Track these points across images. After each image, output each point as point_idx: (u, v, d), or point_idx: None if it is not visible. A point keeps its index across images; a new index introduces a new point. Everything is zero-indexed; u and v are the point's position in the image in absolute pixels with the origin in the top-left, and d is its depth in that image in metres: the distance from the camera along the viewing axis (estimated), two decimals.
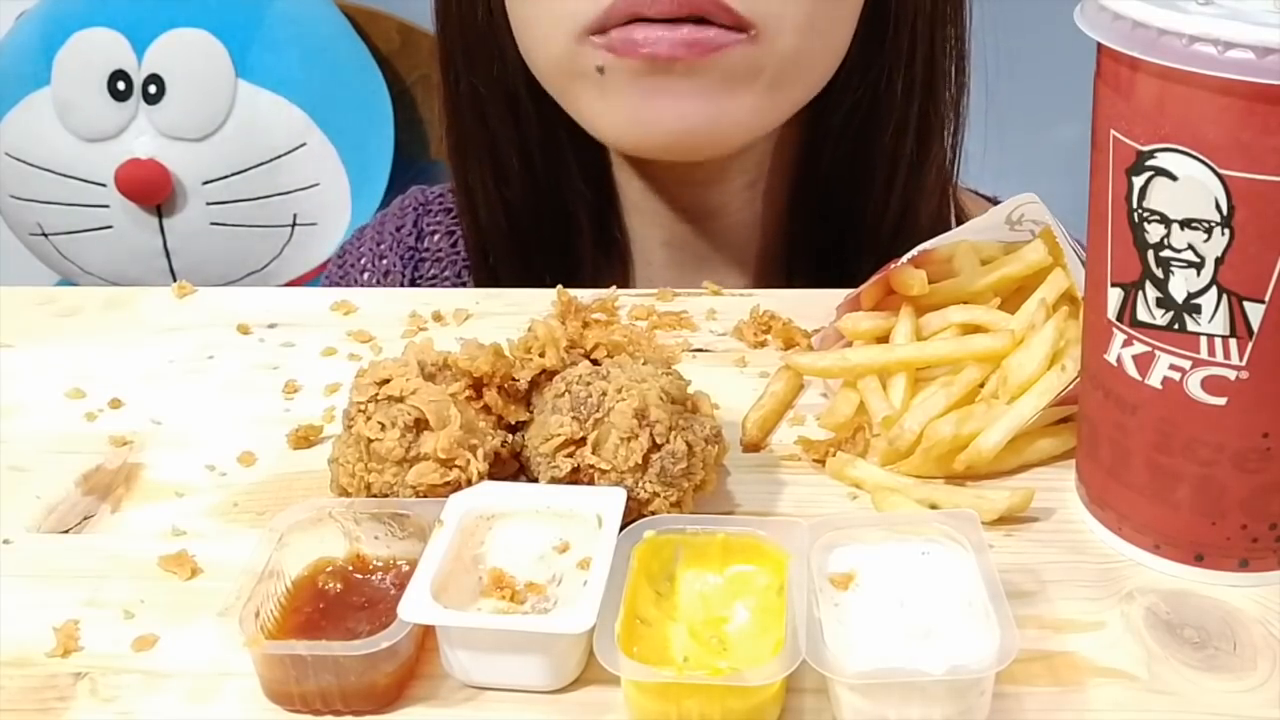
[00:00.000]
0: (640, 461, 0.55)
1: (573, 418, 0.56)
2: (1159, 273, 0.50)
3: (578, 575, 0.51)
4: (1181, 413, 0.52)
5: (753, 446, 0.65)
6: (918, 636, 0.48)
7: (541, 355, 0.60)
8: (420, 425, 0.56)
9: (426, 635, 0.51)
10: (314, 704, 0.49)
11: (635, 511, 0.55)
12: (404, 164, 1.93)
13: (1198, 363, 0.51)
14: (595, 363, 0.60)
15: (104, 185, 1.73)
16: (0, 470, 0.65)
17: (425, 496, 0.55)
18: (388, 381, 0.57)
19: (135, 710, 0.50)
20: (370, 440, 0.56)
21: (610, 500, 0.54)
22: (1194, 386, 0.51)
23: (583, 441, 0.55)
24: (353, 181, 1.83)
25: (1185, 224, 0.49)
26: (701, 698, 0.47)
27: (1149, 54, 0.47)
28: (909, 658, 0.46)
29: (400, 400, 0.56)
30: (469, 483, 0.56)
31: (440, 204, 1.00)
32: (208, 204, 1.75)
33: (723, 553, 0.53)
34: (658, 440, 0.55)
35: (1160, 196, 0.49)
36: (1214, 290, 0.49)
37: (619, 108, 0.75)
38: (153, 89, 1.71)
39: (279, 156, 1.76)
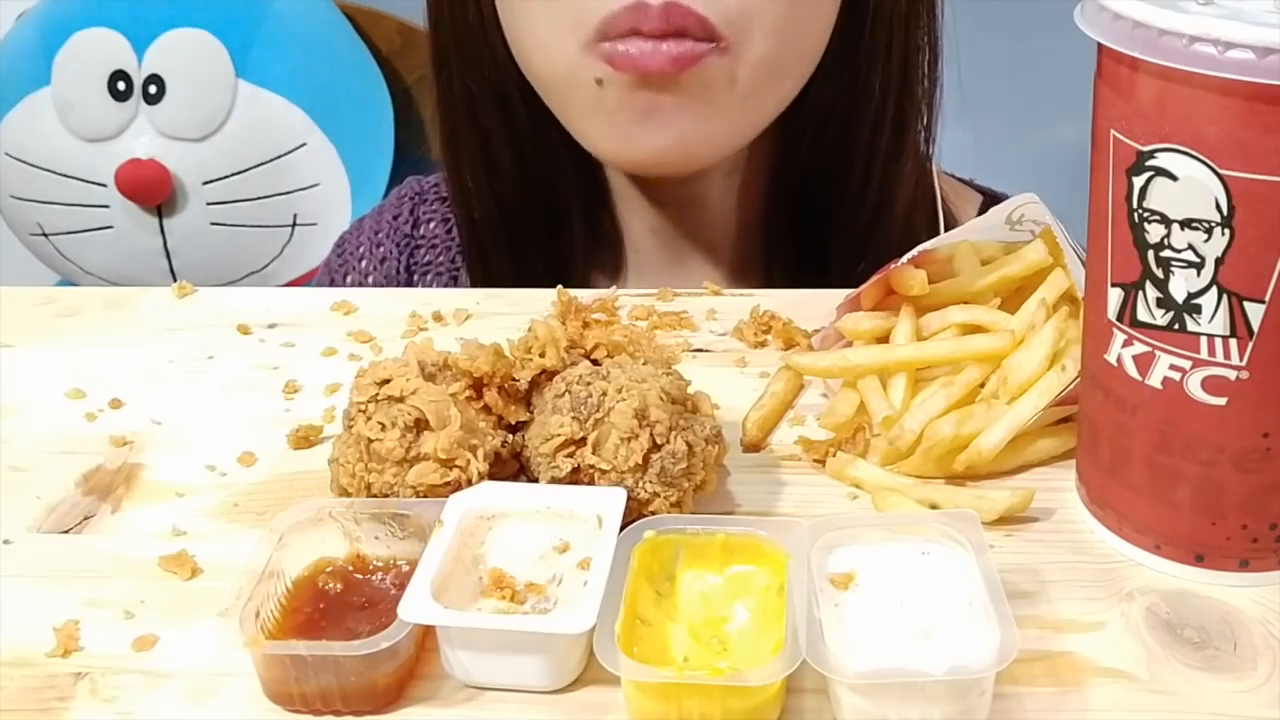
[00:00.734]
0: (640, 461, 0.55)
1: (573, 418, 0.56)
2: (1159, 273, 0.50)
3: (578, 575, 0.51)
4: (1182, 413, 0.52)
5: (753, 446, 0.65)
6: (918, 637, 0.48)
7: (541, 355, 0.60)
8: (420, 425, 0.56)
9: (426, 635, 0.51)
10: (314, 704, 0.49)
11: (635, 511, 0.55)
12: (404, 164, 1.93)
13: (1198, 363, 0.51)
14: (595, 363, 0.60)
15: (104, 185, 1.73)
16: (0, 470, 0.65)
17: (425, 496, 0.55)
18: (388, 381, 0.57)
19: (135, 710, 0.50)
20: (370, 440, 0.56)
21: (610, 500, 0.54)
22: (1194, 387, 0.51)
23: (583, 441, 0.55)
24: (353, 181, 1.83)
25: (1185, 224, 0.49)
26: (702, 698, 0.47)
27: (1149, 54, 0.47)
28: (909, 658, 0.46)
29: (400, 400, 0.56)
30: (469, 483, 0.56)
31: (435, 192, 1.03)
32: (208, 204, 1.75)
33: (723, 553, 0.53)
34: (658, 440, 0.55)
35: (1160, 196, 0.49)
36: (1214, 290, 0.49)
37: (612, 125, 0.78)
38: (153, 89, 1.71)
39: (279, 156, 1.76)
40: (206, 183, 1.75)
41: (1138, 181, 0.50)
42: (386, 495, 0.56)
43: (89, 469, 0.64)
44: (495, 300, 0.81)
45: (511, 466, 0.60)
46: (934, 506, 0.58)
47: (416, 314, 0.78)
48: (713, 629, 0.51)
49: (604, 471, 0.55)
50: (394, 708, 0.50)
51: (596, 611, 0.48)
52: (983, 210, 0.95)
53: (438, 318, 0.78)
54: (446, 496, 0.55)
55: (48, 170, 1.76)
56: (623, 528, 0.53)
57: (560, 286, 0.66)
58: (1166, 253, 0.50)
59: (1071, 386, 0.60)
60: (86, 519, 0.62)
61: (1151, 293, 0.51)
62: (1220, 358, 0.50)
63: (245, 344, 0.77)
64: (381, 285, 1.01)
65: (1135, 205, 0.50)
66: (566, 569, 0.52)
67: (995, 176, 1.08)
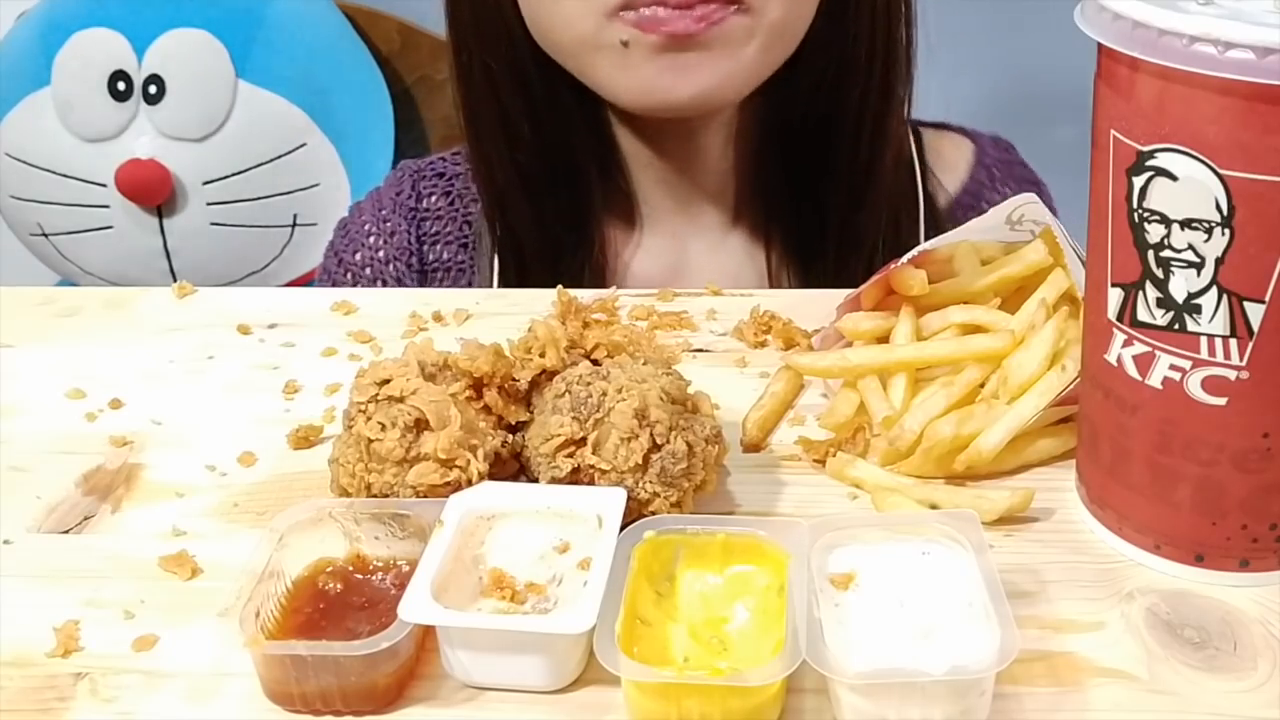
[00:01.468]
0: (640, 462, 0.55)
1: (573, 418, 0.56)
2: (1159, 273, 0.50)
3: (578, 575, 0.51)
4: (1182, 413, 0.52)
5: (753, 447, 0.65)
6: (918, 637, 0.48)
7: (541, 355, 0.60)
8: (420, 425, 0.56)
9: (426, 635, 0.51)
10: (314, 704, 0.49)
11: (635, 512, 0.55)
12: None
13: (1198, 363, 0.51)
14: (595, 363, 0.60)
15: (104, 185, 1.73)
16: (0, 470, 0.65)
17: (425, 497, 0.55)
18: (388, 382, 0.57)
19: (135, 710, 0.50)
20: (370, 440, 0.56)
21: (610, 500, 0.54)
22: (1194, 387, 0.51)
23: (583, 442, 0.55)
24: (353, 182, 1.83)
25: (1185, 224, 0.49)
26: (702, 698, 0.47)
27: (1149, 54, 0.47)
28: (909, 658, 0.46)
29: (400, 400, 0.56)
30: (469, 483, 0.56)
31: (432, 169, 1.08)
32: (208, 204, 1.75)
33: (723, 553, 0.53)
34: (658, 440, 0.55)
35: (1160, 196, 0.49)
36: (1214, 290, 0.49)
37: (638, 78, 0.85)
38: (153, 89, 1.71)
39: (279, 156, 1.76)
40: (206, 183, 1.74)
41: (1138, 181, 0.50)
42: (386, 495, 0.56)
43: (89, 469, 0.64)
44: (495, 300, 0.81)
45: (511, 466, 0.60)
46: (934, 506, 0.58)
47: (416, 314, 0.79)
48: (713, 629, 0.51)
49: (604, 471, 0.55)
50: (394, 708, 0.50)
51: (596, 611, 0.48)
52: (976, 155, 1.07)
53: (438, 318, 0.79)
54: (446, 496, 0.55)
55: (48, 170, 1.76)
56: (623, 528, 0.53)
57: (560, 287, 0.66)
58: (1166, 253, 0.50)
59: (1071, 386, 0.60)
60: (86, 519, 0.62)
61: (1151, 293, 0.51)
62: (1220, 358, 0.50)
63: (245, 344, 0.77)
64: (392, 259, 1.05)
65: (1135, 205, 0.50)
66: (566, 569, 0.52)
67: None
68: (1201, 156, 0.47)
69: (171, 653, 0.53)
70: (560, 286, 0.67)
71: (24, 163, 1.77)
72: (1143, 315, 0.52)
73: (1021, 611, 0.52)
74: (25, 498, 0.62)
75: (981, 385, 0.62)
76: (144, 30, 1.72)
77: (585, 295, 0.72)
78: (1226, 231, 0.48)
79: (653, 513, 0.55)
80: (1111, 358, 0.54)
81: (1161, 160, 0.49)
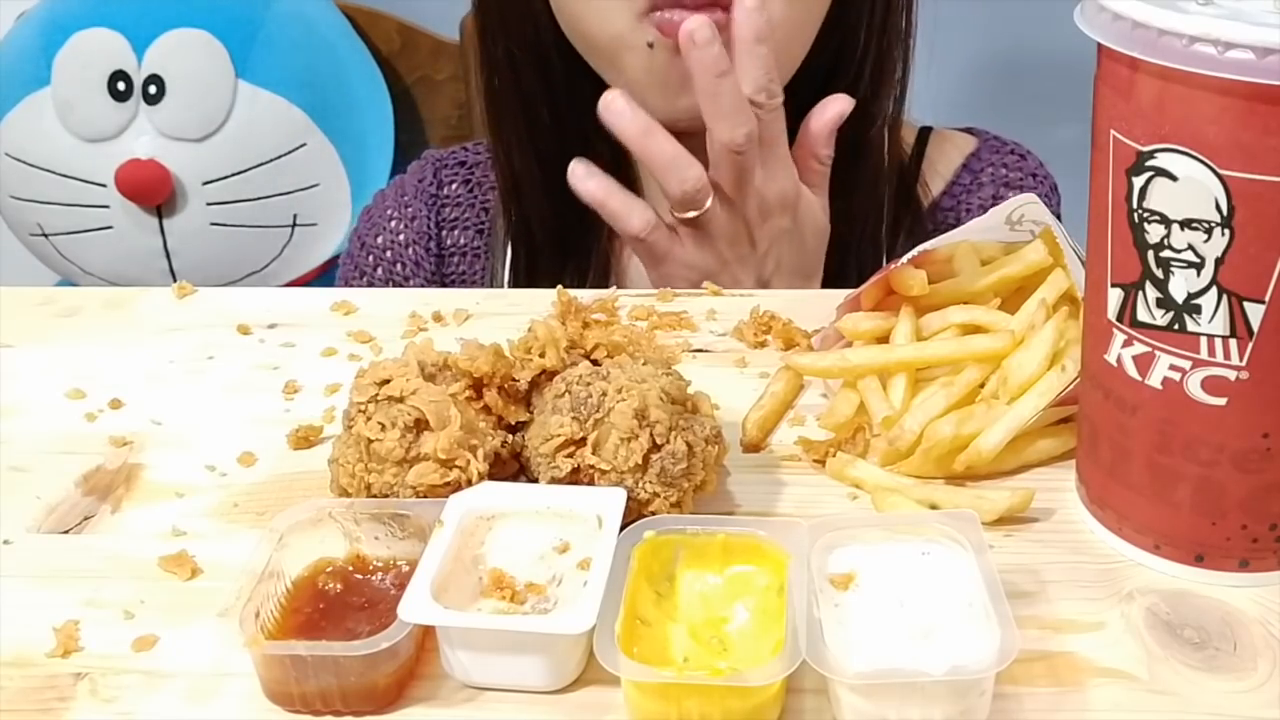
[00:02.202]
0: (640, 462, 0.55)
1: (573, 418, 0.56)
2: (1159, 273, 0.50)
3: (578, 575, 0.51)
4: (1182, 413, 0.52)
5: (753, 447, 0.65)
6: (918, 637, 0.48)
7: (541, 355, 0.60)
8: (420, 425, 0.56)
9: (426, 635, 0.51)
10: (314, 704, 0.49)
11: (635, 512, 0.55)
12: (404, 164, 1.93)
13: (1198, 363, 0.51)
14: (595, 363, 0.60)
15: (104, 185, 1.73)
16: (0, 470, 0.65)
17: (425, 497, 0.55)
18: (388, 382, 0.57)
19: (135, 710, 0.50)
20: (370, 440, 0.56)
21: (610, 500, 0.54)
22: (1194, 387, 0.51)
23: (583, 442, 0.55)
24: (353, 182, 1.83)
25: (1185, 224, 0.49)
26: (701, 698, 0.47)
27: (1149, 54, 0.47)
28: (909, 658, 0.46)
29: (400, 400, 0.56)
30: (469, 483, 0.56)
31: (454, 158, 1.14)
32: (208, 204, 1.75)
33: (723, 553, 0.53)
34: (658, 440, 0.55)
35: (1160, 197, 0.49)
36: (1214, 290, 0.49)
37: (663, 87, 0.89)
38: (153, 89, 1.71)
39: (279, 156, 1.76)
40: (206, 183, 1.74)
41: (1138, 181, 0.50)
42: (386, 495, 0.56)
43: (89, 469, 0.64)
44: (495, 300, 0.81)
45: (511, 466, 0.60)
46: (934, 507, 0.58)
47: (416, 314, 0.79)
48: (713, 629, 0.51)
49: (604, 472, 0.55)
50: (394, 708, 0.50)
51: (596, 612, 0.48)
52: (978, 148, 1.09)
53: (438, 318, 0.79)
54: (446, 496, 0.55)
55: (48, 170, 1.76)
56: (623, 528, 0.53)
57: (560, 287, 0.66)
58: (1166, 253, 0.50)
59: (1071, 386, 0.60)
60: (86, 519, 0.62)
61: (1151, 293, 0.51)
62: (1220, 358, 0.50)
63: (245, 344, 0.77)
64: (412, 242, 1.11)
65: (1135, 205, 0.50)
66: (566, 569, 0.52)
67: None
68: (1201, 157, 0.47)
69: (171, 653, 0.53)
70: (560, 286, 0.67)
71: (24, 163, 1.77)
72: (1142, 315, 0.52)
73: (1021, 611, 0.52)
74: (25, 498, 0.62)
75: (981, 385, 0.62)
76: (144, 30, 1.72)
77: (585, 295, 0.72)
78: (1226, 232, 0.48)
79: (653, 513, 0.55)
80: (1111, 358, 0.54)
81: (1161, 160, 0.49)
